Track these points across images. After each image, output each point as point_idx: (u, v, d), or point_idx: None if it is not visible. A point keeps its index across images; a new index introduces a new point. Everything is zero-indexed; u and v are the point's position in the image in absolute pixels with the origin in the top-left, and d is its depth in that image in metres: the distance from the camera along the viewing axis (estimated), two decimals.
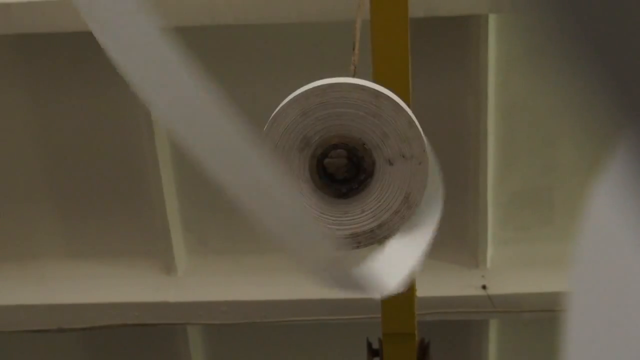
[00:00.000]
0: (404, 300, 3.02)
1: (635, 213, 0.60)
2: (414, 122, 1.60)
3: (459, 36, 3.59)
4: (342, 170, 1.61)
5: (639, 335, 0.65)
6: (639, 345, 0.65)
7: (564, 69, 0.55)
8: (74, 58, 3.70)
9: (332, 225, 1.64)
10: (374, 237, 1.63)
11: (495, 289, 3.93)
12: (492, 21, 3.51)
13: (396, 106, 1.59)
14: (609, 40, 0.53)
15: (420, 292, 3.13)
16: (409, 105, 1.64)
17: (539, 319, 3.88)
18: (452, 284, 3.93)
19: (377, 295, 1.46)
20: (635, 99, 0.55)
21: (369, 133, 1.60)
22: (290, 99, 1.60)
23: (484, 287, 3.93)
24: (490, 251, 3.97)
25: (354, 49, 2.20)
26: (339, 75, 1.65)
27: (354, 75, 1.95)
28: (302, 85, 1.63)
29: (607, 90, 0.55)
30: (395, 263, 1.56)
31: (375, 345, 3.28)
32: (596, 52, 0.54)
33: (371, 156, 1.62)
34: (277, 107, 1.63)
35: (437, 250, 3.83)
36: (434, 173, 1.70)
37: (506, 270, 3.96)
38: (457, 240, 3.96)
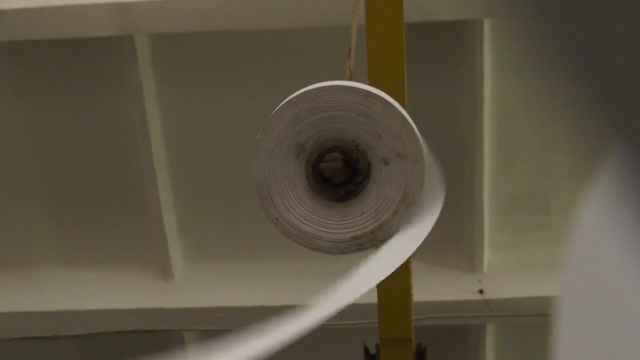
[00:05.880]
0: (400, 305, 3.02)
1: (625, 219, 0.60)
2: (406, 120, 1.59)
3: (454, 41, 3.59)
4: (338, 173, 1.61)
5: (629, 340, 0.65)
6: (629, 349, 0.65)
7: (556, 74, 0.55)
8: (69, 65, 3.69)
9: (333, 229, 1.63)
10: (376, 239, 1.63)
11: (492, 293, 3.92)
12: (487, 26, 3.51)
13: (387, 105, 1.59)
14: (600, 46, 0.53)
15: (417, 297, 3.12)
16: (404, 109, 1.63)
17: (536, 323, 3.87)
18: (448, 289, 3.93)
19: None
20: (625, 106, 0.54)
21: (362, 134, 1.60)
22: (281, 106, 1.60)
23: (480, 291, 3.93)
24: (487, 255, 3.96)
25: (349, 54, 2.19)
26: (335, 80, 1.65)
27: (349, 80, 1.94)
28: (297, 90, 1.63)
29: (597, 96, 0.54)
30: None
31: (373, 351, 3.28)
32: (587, 58, 0.54)
33: (366, 157, 1.62)
34: (271, 112, 1.62)
35: (434, 255, 3.87)
36: (433, 170, 1.69)
37: (503, 275, 3.96)
38: (453, 244, 3.96)
